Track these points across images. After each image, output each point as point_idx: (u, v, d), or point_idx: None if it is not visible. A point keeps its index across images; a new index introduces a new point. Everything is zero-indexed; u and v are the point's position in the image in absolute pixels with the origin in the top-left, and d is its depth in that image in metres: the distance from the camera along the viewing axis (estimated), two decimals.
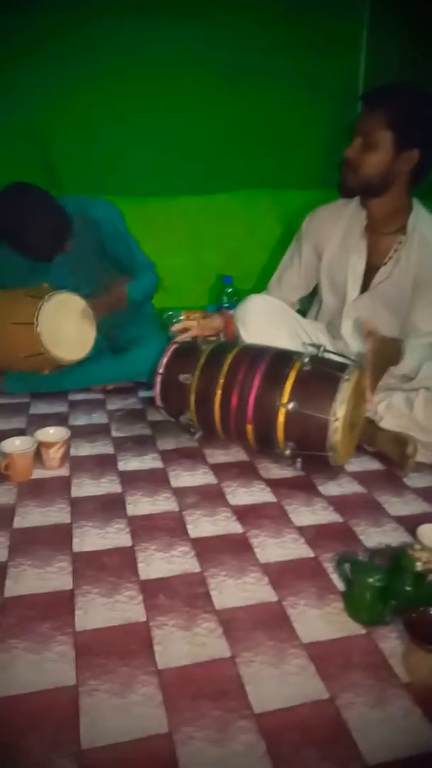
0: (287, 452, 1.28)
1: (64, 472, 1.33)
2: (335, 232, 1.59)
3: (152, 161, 2.55)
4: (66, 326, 1.68)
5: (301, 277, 1.70)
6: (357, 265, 1.53)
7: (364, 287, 1.55)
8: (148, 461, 1.40)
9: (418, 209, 1.48)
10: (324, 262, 1.62)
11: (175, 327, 1.56)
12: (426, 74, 2.19)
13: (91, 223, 1.84)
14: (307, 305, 1.82)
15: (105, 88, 2.40)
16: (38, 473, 1.31)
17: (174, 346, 1.51)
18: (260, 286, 2.46)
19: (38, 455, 1.32)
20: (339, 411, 1.19)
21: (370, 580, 0.89)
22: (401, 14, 2.41)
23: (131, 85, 2.42)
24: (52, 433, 1.34)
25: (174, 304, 2.64)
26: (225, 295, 2.30)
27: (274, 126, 2.52)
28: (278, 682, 0.80)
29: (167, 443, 1.50)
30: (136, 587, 0.96)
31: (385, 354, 1.34)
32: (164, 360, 1.49)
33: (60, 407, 1.72)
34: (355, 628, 0.90)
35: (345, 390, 1.21)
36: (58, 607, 0.91)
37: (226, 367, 1.37)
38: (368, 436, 1.48)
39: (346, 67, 2.54)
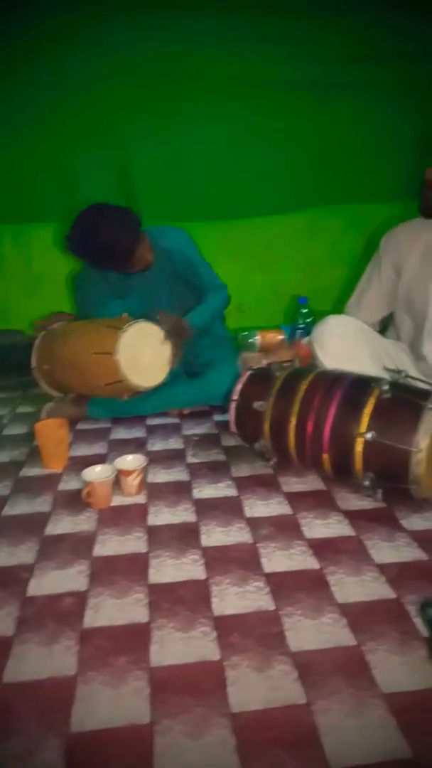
0: (366, 483, 1.23)
1: (142, 499, 1.36)
2: (415, 250, 1.53)
3: (231, 184, 2.58)
4: (143, 354, 1.73)
5: (382, 296, 1.65)
6: None
7: None
8: (223, 489, 1.40)
9: None
10: (403, 281, 1.56)
11: (244, 359, 1.56)
12: None
13: (164, 252, 1.90)
14: (386, 325, 1.76)
15: (185, 115, 2.46)
16: (117, 500, 1.35)
17: (249, 372, 1.51)
18: (339, 305, 2.42)
19: (117, 482, 1.36)
20: (422, 442, 1.13)
21: None
22: None
23: (209, 109, 2.46)
24: (130, 460, 1.38)
25: (250, 324, 2.65)
26: (300, 316, 2.27)
27: (352, 139, 2.47)
28: (357, 735, 0.76)
29: (242, 470, 1.49)
30: (210, 623, 0.96)
31: None
32: (239, 386, 1.49)
33: (138, 432, 1.77)
34: None
35: (429, 419, 1.15)
36: (134, 640, 0.93)
37: (301, 394, 1.35)
38: None
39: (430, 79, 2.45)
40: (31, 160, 2.35)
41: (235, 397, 1.49)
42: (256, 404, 1.41)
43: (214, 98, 2.44)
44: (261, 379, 1.48)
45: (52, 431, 1.51)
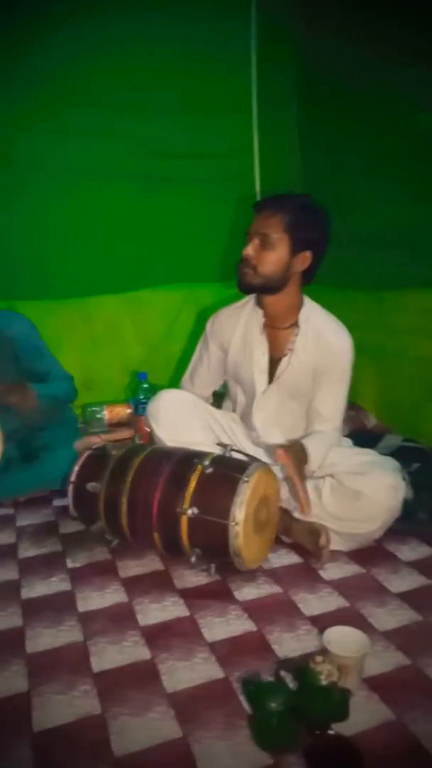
0: (193, 559, 1.25)
1: None
2: (236, 330, 1.66)
3: (69, 263, 2.62)
4: None
5: (212, 372, 1.74)
6: (261, 359, 1.59)
7: (270, 379, 1.60)
8: (56, 583, 1.33)
9: (309, 303, 1.58)
10: (230, 359, 1.67)
11: (78, 444, 1.55)
12: (313, 173, 2.43)
13: (5, 340, 1.84)
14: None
15: (16, 190, 2.48)
16: None
17: (86, 452, 1.49)
18: (175, 379, 2.51)
19: None
20: (239, 514, 1.19)
21: (273, 704, 0.86)
22: (286, 120, 2.69)
23: (46, 189, 2.51)
24: None
25: (96, 399, 2.64)
26: (141, 391, 2.32)
27: (182, 226, 2.67)
28: None
29: (79, 558, 1.43)
30: (29, 743, 0.88)
31: (300, 460, 1.37)
32: (76, 467, 1.47)
33: None
34: (263, 758, 0.85)
35: (244, 492, 1.21)
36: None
37: (132, 473, 1.36)
38: (284, 527, 1.47)
39: (242, 172, 2.76)
40: None
41: (73, 478, 1.45)
42: (90, 485, 1.39)
43: (57, 185, 2.51)
44: (98, 459, 1.46)
45: None
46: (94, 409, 2.57)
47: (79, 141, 2.50)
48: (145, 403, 2.30)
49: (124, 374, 2.79)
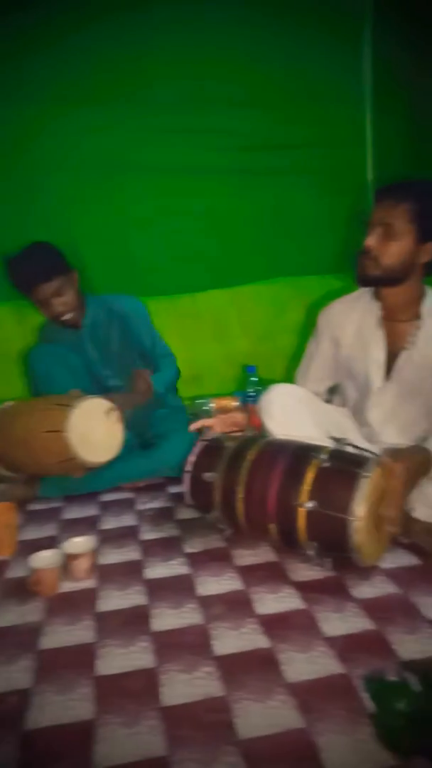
0: (311, 552, 1.25)
1: (92, 583, 1.33)
2: (350, 324, 1.62)
3: (178, 260, 2.71)
4: (94, 430, 1.74)
5: (325, 368, 1.72)
6: (377, 354, 1.54)
7: (387, 375, 1.56)
8: (175, 566, 1.39)
9: (431, 295, 1.51)
10: (342, 353, 1.65)
11: (194, 426, 1.60)
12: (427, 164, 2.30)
13: (119, 315, 1.99)
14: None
15: (130, 200, 2.61)
16: (67, 585, 1.32)
17: (201, 444, 1.54)
18: (286, 373, 2.51)
19: (66, 566, 1.34)
20: (359, 510, 1.17)
21: (400, 705, 0.84)
22: (403, 104, 2.57)
23: (154, 193, 2.62)
24: (78, 543, 1.36)
25: (203, 392, 2.70)
26: (249, 384, 2.35)
27: (287, 219, 2.65)
28: None
29: (195, 544, 1.49)
30: (156, 715, 0.93)
31: (417, 471, 1.32)
32: (192, 457, 1.52)
33: (91, 510, 1.75)
34: (387, 759, 0.83)
35: (364, 487, 1.19)
36: (78, 739, 0.89)
37: (248, 464, 1.38)
38: (402, 528, 1.43)
39: (354, 161, 2.68)
40: None
41: (189, 468, 1.51)
42: (207, 475, 1.44)
43: (158, 184, 2.61)
44: (213, 449, 1.51)
45: None
46: (201, 401, 2.64)
47: (177, 138, 2.57)
48: (254, 396, 2.33)
49: (230, 367, 2.83)
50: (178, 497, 1.79)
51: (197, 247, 2.70)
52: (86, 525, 1.64)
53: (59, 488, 1.83)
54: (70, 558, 1.32)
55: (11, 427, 1.82)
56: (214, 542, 1.49)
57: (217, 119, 2.57)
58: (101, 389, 1.98)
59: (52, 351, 2.03)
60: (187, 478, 1.52)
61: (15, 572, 1.40)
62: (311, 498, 1.23)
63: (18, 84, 2.44)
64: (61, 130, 2.52)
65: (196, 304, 2.78)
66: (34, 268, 1.89)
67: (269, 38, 2.51)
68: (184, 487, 1.55)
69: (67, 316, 1.94)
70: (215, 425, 1.60)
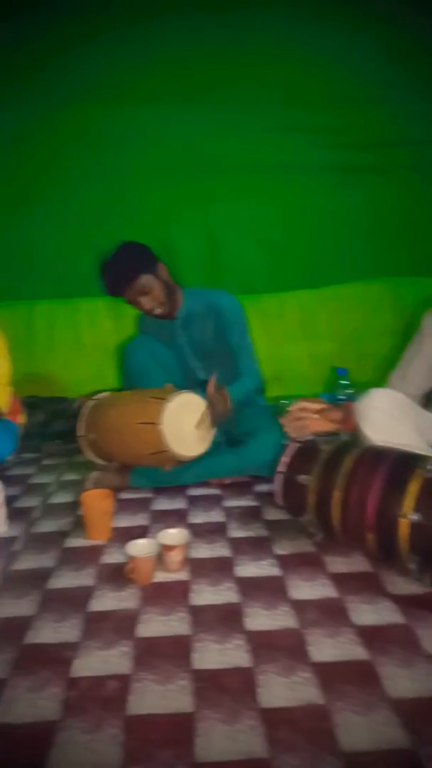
0: (412, 566, 1.20)
1: (184, 575, 1.35)
2: None
3: (269, 259, 2.70)
4: (187, 424, 1.77)
5: (425, 371, 1.65)
6: None
7: None
8: (266, 567, 1.38)
9: None
10: None
11: (287, 419, 1.59)
12: None
13: (216, 310, 2.00)
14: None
15: (230, 196, 2.62)
16: (160, 576, 1.34)
17: (295, 445, 1.52)
18: (374, 376, 2.43)
19: (159, 556, 1.36)
20: None
21: None
22: None
23: (252, 191, 2.62)
24: (173, 535, 1.38)
25: (287, 392, 2.68)
26: (339, 387, 2.29)
27: (386, 219, 2.57)
28: None
29: (285, 547, 1.47)
30: (257, 716, 0.93)
31: None
32: (285, 459, 1.51)
33: (180, 503, 1.77)
34: None
35: None
36: (178, 732, 0.90)
37: (345, 470, 1.35)
38: None
39: None
40: (79, 243, 2.53)
41: (282, 469, 1.50)
42: (301, 477, 1.42)
43: (250, 182, 2.60)
44: (307, 452, 1.49)
45: (97, 502, 1.54)
46: (285, 402, 2.61)
47: (270, 136, 2.55)
48: (344, 400, 2.28)
49: (315, 369, 2.78)
50: (264, 497, 1.78)
51: (288, 246, 2.67)
52: (176, 517, 1.66)
53: (149, 479, 1.88)
54: (165, 549, 1.34)
55: (106, 417, 1.88)
56: (305, 546, 1.47)
57: (314, 117, 2.53)
58: (191, 382, 2.00)
59: (147, 346, 2.08)
60: (279, 478, 1.51)
61: (110, 558, 1.44)
62: (416, 510, 1.18)
63: (115, 85, 2.52)
64: (156, 129, 2.57)
65: (283, 304, 2.76)
66: (116, 275, 1.93)
67: (370, 33, 2.44)
68: (275, 488, 1.54)
69: (158, 311, 1.97)
70: (311, 424, 1.57)
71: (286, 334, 2.71)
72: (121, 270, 1.92)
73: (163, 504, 1.77)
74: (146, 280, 1.92)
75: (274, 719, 0.92)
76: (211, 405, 1.81)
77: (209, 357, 2.08)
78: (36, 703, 0.97)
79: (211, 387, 1.82)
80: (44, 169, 2.54)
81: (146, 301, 1.95)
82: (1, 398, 1.91)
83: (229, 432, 2.00)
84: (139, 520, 1.66)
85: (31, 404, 2.40)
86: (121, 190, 2.58)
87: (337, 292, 2.73)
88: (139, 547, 1.33)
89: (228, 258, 2.69)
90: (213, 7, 2.42)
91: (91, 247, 2.42)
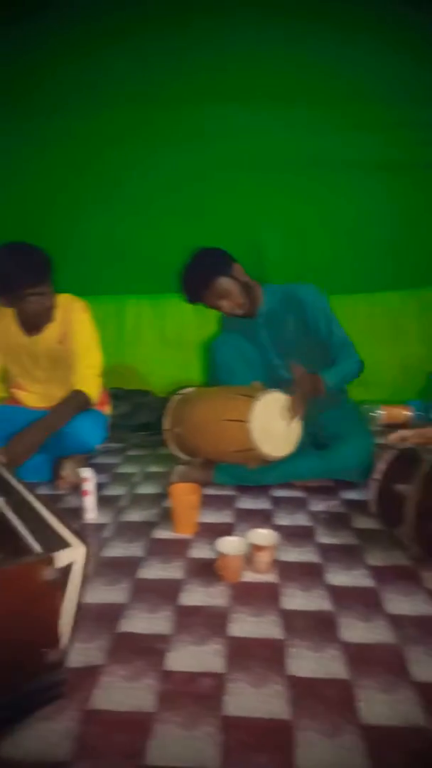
0: None
1: (272, 578, 1.32)
2: None
3: (358, 258, 2.62)
4: (275, 423, 1.74)
5: None
6: None
7: None
8: (358, 577, 1.33)
9: None
10: None
11: (393, 437, 1.52)
12: None
13: (296, 303, 1.95)
14: None
15: (314, 196, 2.58)
16: (247, 575, 1.32)
17: (393, 452, 1.46)
18: None
19: (249, 556, 1.34)
20: None
21: None
22: None
23: (334, 190, 2.57)
24: (263, 535, 1.36)
25: (371, 397, 2.59)
26: None
27: None
28: None
29: (377, 557, 1.41)
30: (358, 732, 0.89)
31: None
32: (382, 466, 1.45)
33: (264, 503, 1.75)
34: None
35: None
36: (277, 738, 0.88)
37: None
38: None
39: None
40: (169, 240, 2.58)
41: (377, 476, 1.44)
42: (399, 487, 1.36)
43: (338, 179, 2.55)
44: (407, 460, 1.42)
45: (185, 496, 1.54)
46: (370, 407, 2.53)
47: (366, 134, 2.47)
48: None
49: (404, 374, 2.68)
50: (353, 504, 1.72)
51: (382, 245, 2.59)
52: (260, 518, 1.64)
53: (233, 477, 1.86)
54: (254, 549, 1.32)
55: (193, 412, 1.89)
56: (398, 558, 1.40)
57: (412, 114, 2.44)
58: (275, 381, 1.97)
59: (234, 342, 2.07)
60: (374, 486, 1.46)
61: (198, 553, 1.44)
62: None
63: (207, 84, 2.53)
64: (247, 127, 2.56)
65: (372, 304, 2.68)
66: (193, 282, 1.92)
67: None
68: (368, 496, 1.49)
69: (238, 312, 1.96)
70: (411, 436, 1.50)
71: (374, 337, 2.62)
72: (198, 277, 1.92)
73: (247, 503, 1.75)
74: (223, 283, 1.90)
75: (378, 737, 0.88)
76: (299, 388, 1.76)
77: (292, 354, 2.03)
78: (132, 692, 0.97)
79: (297, 371, 1.77)
80: (137, 168, 2.60)
81: (226, 304, 1.94)
82: (92, 388, 1.96)
83: (314, 434, 1.95)
84: (224, 517, 1.65)
85: (115, 396, 2.46)
86: (211, 189, 2.60)
87: (426, 295, 2.62)
88: (230, 545, 1.32)
89: (316, 256, 2.64)
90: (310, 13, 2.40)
91: (180, 245, 2.45)
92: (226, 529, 1.55)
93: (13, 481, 1.23)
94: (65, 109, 2.53)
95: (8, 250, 1.79)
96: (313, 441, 1.93)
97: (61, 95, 2.53)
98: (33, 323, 1.95)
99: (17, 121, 2.52)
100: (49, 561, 0.90)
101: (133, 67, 2.54)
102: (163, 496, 1.79)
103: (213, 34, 2.49)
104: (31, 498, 1.14)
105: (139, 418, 2.50)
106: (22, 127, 2.53)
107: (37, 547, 0.92)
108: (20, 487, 1.20)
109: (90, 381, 1.95)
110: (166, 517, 1.63)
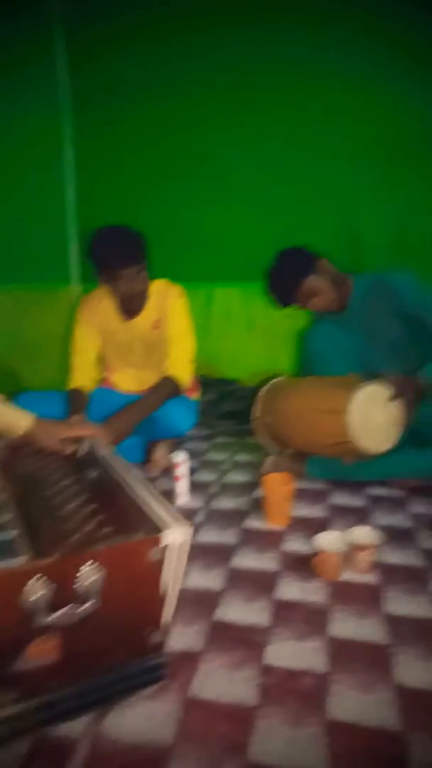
0: None
1: (372, 579, 1.25)
2: None
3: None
4: (374, 417, 1.65)
5: None
6: None
7: None
8: None
9: None
10: None
11: None
12: None
13: (390, 289, 1.84)
14: None
15: (412, 178, 2.46)
16: (346, 575, 1.26)
17: None
18: None
19: (348, 554, 1.28)
20: None
21: None
22: None
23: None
24: (365, 534, 1.29)
25: None
26: None
27: None
28: None
29: None
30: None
31: None
32: None
33: (359, 501, 1.67)
34: None
35: None
36: (386, 748, 0.82)
37: None
38: None
39: None
40: (260, 229, 2.53)
41: None
42: None
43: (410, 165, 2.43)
44: None
45: (279, 487, 1.50)
46: None
47: None
48: None
49: None
50: None
51: None
52: (356, 515, 1.57)
53: (326, 471, 1.80)
54: (355, 548, 1.26)
55: (286, 402, 1.83)
56: None
57: None
58: (369, 373, 1.87)
59: (327, 332, 1.99)
60: None
61: (292, 546, 1.40)
62: None
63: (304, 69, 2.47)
64: (342, 113, 2.48)
65: None
66: (281, 286, 1.86)
67: None
68: None
69: (332, 308, 1.87)
70: None
71: None
72: (285, 281, 1.85)
73: (342, 499, 1.68)
74: (311, 282, 1.83)
75: None
76: (400, 395, 1.66)
77: (386, 347, 1.91)
78: (233, 683, 0.95)
79: (395, 378, 1.67)
80: (228, 159, 2.60)
81: (318, 302, 1.86)
82: (184, 374, 1.95)
83: (415, 432, 1.84)
84: (318, 511, 1.60)
85: (203, 383, 2.46)
86: (307, 177, 2.54)
87: None
88: (329, 541, 1.26)
89: (417, 243, 2.50)
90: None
91: (271, 234, 2.41)
92: (320, 524, 1.49)
93: (117, 460, 1.24)
94: (176, 97, 2.59)
95: (107, 231, 1.83)
96: (413, 437, 1.82)
97: (168, 79, 2.59)
98: (128, 307, 1.97)
99: (132, 109, 2.61)
100: (156, 541, 0.88)
101: (237, 52, 2.54)
102: (253, 485, 1.76)
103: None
104: (133, 478, 1.14)
105: (224, 406, 2.48)
106: (136, 116, 2.62)
107: (155, 521, 0.91)
108: (123, 466, 1.21)
109: (183, 367, 1.95)
110: (257, 506, 1.59)
